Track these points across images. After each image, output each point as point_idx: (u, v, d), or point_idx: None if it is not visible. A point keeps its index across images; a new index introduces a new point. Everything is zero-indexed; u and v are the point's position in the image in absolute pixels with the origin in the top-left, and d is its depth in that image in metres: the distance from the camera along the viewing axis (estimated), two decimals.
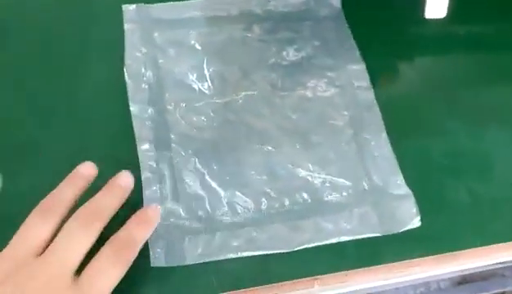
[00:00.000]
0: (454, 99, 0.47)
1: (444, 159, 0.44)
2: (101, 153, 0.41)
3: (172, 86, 0.45)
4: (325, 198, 0.41)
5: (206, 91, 0.45)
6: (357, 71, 0.47)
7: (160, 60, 0.46)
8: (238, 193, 0.41)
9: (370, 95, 0.46)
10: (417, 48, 0.50)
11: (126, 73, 0.45)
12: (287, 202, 0.41)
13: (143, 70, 0.45)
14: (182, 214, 0.39)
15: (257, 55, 0.48)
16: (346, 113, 0.45)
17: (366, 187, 0.42)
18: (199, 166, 0.41)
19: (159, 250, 0.37)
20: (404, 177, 0.42)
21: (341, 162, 0.43)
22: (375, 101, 0.46)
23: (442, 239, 0.40)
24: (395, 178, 0.42)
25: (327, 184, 0.42)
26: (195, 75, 0.46)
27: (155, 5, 0.49)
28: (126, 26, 0.47)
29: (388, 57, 0.49)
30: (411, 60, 0.50)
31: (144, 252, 0.37)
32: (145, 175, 0.40)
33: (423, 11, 0.48)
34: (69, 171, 0.37)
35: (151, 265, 0.37)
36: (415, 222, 0.40)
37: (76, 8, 0.49)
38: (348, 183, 0.42)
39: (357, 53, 0.48)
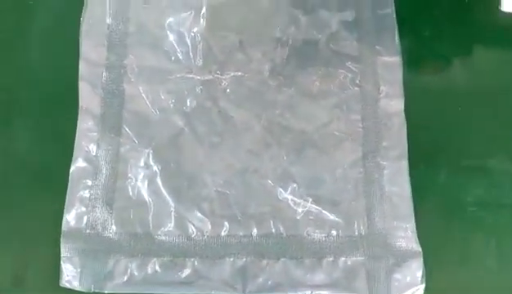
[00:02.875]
0: (507, 127, 0.36)
1: (476, 207, 0.33)
2: (31, 120, 0.32)
3: (140, 45, 0.34)
4: (306, 235, 0.32)
5: (183, 61, 0.34)
6: (388, 66, 0.35)
7: (133, 4, 0.35)
8: (194, 208, 0.31)
9: (397, 105, 0.34)
10: (480, 47, 0.37)
11: (83, 19, 0.34)
12: (255, 232, 0.31)
13: (107, 15, 0.34)
14: (113, 227, 0.30)
15: (262, 20, 0.35)
16: (360, 124, 0.34)
17: (363, 230, 0.32)
18: (152, 161, 0.32)
19: (72, 268, 0.29)
20: (417, 225, 0.32)
21: (337, 191, 0.32)
22: (402, 114, 0.34)
23: None
24: (404, 224, 0.32)
25: (311, 217, 0.32)
26: (173, 35, 0.35)
27: None
28: None
29: (437, 53, 0.37)
30: (466, 62, 0.37)
31: (56, 264, 0.29)
32: (76, 164, 0.31)
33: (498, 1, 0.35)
34: None
35: (60, 285, 0.29)
36: (418, 292, 0.31)
37: None
38: (339, 220, 0.32)
39: (396, 40, 0.36)
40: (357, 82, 0.35)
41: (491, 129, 0.35)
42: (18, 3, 0.34)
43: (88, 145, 0.31)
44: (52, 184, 0.30)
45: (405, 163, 0.33)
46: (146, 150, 0.32)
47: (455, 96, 0.36)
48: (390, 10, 0.37)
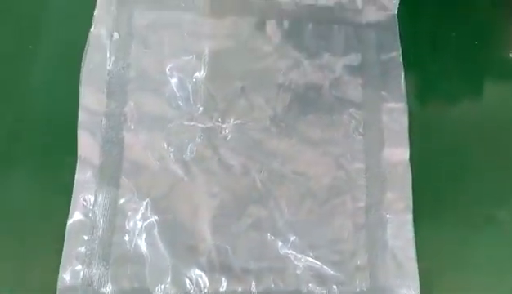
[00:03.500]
0: None
1: (486, 266, 0.32)
2: (29, 170, 0.31)
3: (141, 91, 0.33)
4: (306, 291, 0.30)
5: (184, 108, 0.33)
6: (393, 113, 0.34)
7: (133, 50, 0.34)
8: (192, 263, 0.30)
9: (402, 154, 0.33)
10: (489, 92, 0.36)
11: (83, 65, 0.33)
12: (254, 287, 0.30)
13: (108, 62, 0.33)
14: (110, 283, 0.29)
15: (265, 66, 0.35)
16: (364, 175, 0.33)
17: (365, 286, 0.31)
18: (149, 213, 0.31)
19: None
20: (421, 283, 0.31)
21: (338, 244, 0.31)
22: (407, 164, 0.33)
23: None
24: (408, 282, 0.31)
25: (311, 273, 0.31)
26: (174, 80, 0.34)
27: None
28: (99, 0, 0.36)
29: (444, 96, 0.36)
30: (474, 105, 0.36)
31: None
32: (73, 218, 0.30)
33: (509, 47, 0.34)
34: None
35: None
36: None
37: None
38: (340, 275, 0.31)
39: (402, 85, 0.35)
40: (361, 130, 0.34)
41: (500, 177, 0.35)
42: (18, 47, 0.34)
43: (86, 197, 0.31)
44: (49, 237, 0.30)
45: (409, 217, 0.32)
46: (144, 201, 0.31)
47: (462, 144, 0.35)
48: (397, 53, 0.36)
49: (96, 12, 0.35)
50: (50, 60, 0.34)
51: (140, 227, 0.31)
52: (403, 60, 0.36)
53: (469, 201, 0.33)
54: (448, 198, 0.33)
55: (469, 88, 0.37)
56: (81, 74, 0.33)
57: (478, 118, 0.35)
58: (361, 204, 0.32)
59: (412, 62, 0.36)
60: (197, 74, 0.34)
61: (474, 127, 0.35)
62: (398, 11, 0.37)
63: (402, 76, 0.35)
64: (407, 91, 0.35)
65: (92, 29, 0.34)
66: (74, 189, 0.31)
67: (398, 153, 0.33)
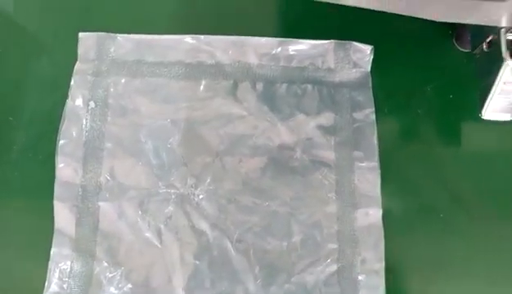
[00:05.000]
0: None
1: None
2: (7, 232, 0.32)
3: (116, 160, 0.34)
4: None
5: (159, 175, 0.34)
6: (366, 173, 0.34)
7: (109, 118, 0.35)
8: None
9: (375, 216, 0.33)
10: (462, 151, 0.36)
11: (59, 136, 0.34)
12: None
13: (84, 132, 0.34)
14: None
15: (239, 128, 0.35)
16: (336, 238, 0.33)
17: None
18: (124, 281, 0.31)
19: None
20: None
21: None
22: (380, 225, 0.33)
23: None
24: None
25: None
26: (149, 148, 0.34)
27: (122, 36, 0.37)
28: (77, 66, 0.37)
29: (419, 155, 0.36)
30: (451, 163, 0.36)
31: None
32: (49, 290, 0.31)
33: (480, 107, 0.34)
34: None
35: None
36: None
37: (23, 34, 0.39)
38: None
39: (375, 143, 0.35)
40: (334, 191, 0.34)
41: (471, 236, 0.34)
42: None
43: (62, 269, 0.31)
44: None
45: (382, 280, 0.32)
46: (119, 270, 0.32)
47: (437, 200, 0.35)
48: (370, 111, 0.36)
49: (72, 82, 0.36)
50: (28, 131, 0.35)
51: None
52: (376, 117, 0.37)
53: (442, 261, 0.34)
54: (422, 258, 0.34)
55: (443, 143, 0.37)
56: (57, 146, 0.34)
57: (453, 174, 0.36)
58: (334, 268, 0.32)
59: (386, 119, 0.37)
60: (172, 140, 0.35)
61: (449, 183, 0.36)
62: (372, 69, 0.38)
63: (375, 134, 0.36)
64: (380, 149, 0.36)
65: (68, 100, 0.35)
66: (50, 260, 0.32)
67: (371, 214, 0.34)
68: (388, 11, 0.31)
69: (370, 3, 0.30)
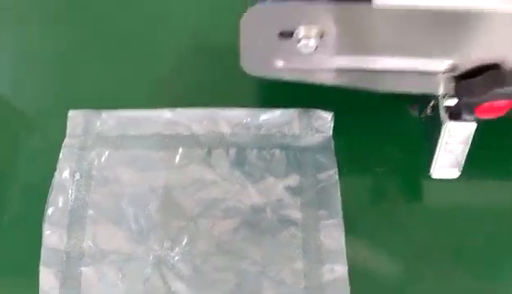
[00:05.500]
0: None
1: None
2: None
3: (98, 225, 0.37)
4: None
5: (138, 239, 0.36)
6: (331, 230, 0.36)
7: (93, 188, 0.38)
8: None
9: (341, 271, 0.35)
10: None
11: (47, 205, 0.37)
12: None
13: (69, 201, 0.37)
14: None
15: (213, 193, 0.38)
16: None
17: None
18: None
19: None
20: None
21: None
22: (346, 280, 0.35)
23: None
24: None
25: None
26: (130, 212, 0.37)
27: (107, 112, 0.41)
28: (65, 141, 0.40)
29: (380, 212, 0.39)
30: (410, 221, 0.39)
31: None
32: None
33: (429, 167, 0.37)
34: None
35: None
36: None
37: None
38: None
39: (338, 201, 0.38)
40: (301, 249, 0.36)
41: (436, 289, 0.36)
42: None
43: None
44: None
45: None
46: None
47: (399, 257, 0.37)
48: (333, 171, 0.39)
49: (60, 156, 0.39)
50: (19, 203, 0.38)
51: None
52: (340, 177, 0.40)
53: None
54: None
55: (402, 200, 0.40)
56: (45, 214, 0.37)
57: (411, 229, 0.38)
58: None
59: (348, 179, 0.40)
60: (150, 206, 0.38)
61: (409, 237, 0.38)
62: (334, 132, 0.41)
63: (339, 193, 0.39)
64: (344, 207, 0.38)
65: (56, 173, 0.39)
66: None
67: (337, 270, 0.36)
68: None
69: (333, 81, 0.34)
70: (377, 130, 0.42)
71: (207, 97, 0.43)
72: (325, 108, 0.42)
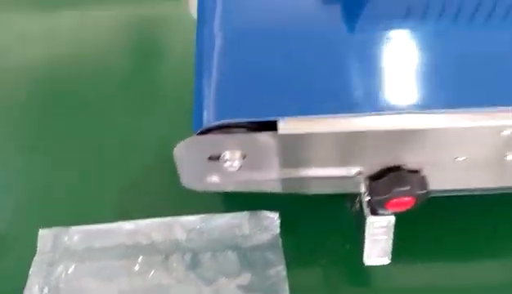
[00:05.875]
0: None
1: None
2: None
3: None
4: None
5: None
6: None
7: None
8: None
9: None
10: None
11: None
12: None
13: None
14: None
15: None
16: None
17: None
18: None
19: None
20: None
21: None
22: None
23: None
24: None
25: None
26: None
27: (74, 228, 0.45)
28: (35, 257, 0.44)
29: None
30: None
31: None
32: None
33: (361, 256, 0.41)
34: None
35: None
36: None
37: None
38: None
39: None
40: None
41: None
42: None
43: None
44: None
45: None
46: None
47: None
48: (281, 267, 0.43)
49: (30, 272, 0.43)
50: None
51: None
52: (288, 271, 0.43)
53: None
54: None
55: (347, 287, 0.43)
56: None
57: None
58: None
59: (296, 272, 0.43)
60: None
61: None
62: (282, 230, 0.45)
63: (287, 288, 0.42)
64: None
65: (25, 289, 0.42)
66: None
67: None
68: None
69: (266, 189, 0.39)
70: (321, 224, 0.46)
71: (166, 206, 0.48)
72: (272, 208, 0.46)
